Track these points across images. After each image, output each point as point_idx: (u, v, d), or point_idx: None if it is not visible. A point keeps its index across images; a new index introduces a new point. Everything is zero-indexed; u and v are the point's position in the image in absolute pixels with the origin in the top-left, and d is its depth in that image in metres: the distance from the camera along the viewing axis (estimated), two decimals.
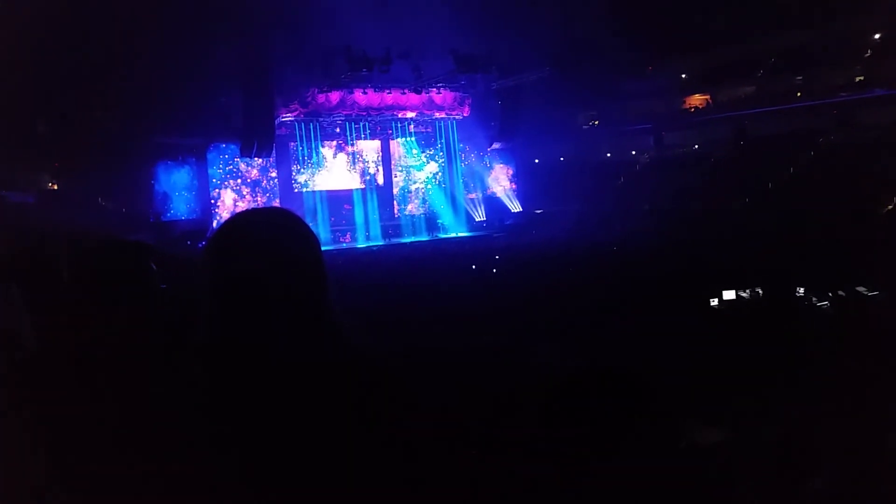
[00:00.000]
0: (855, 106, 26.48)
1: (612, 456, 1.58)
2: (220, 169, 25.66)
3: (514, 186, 31.90)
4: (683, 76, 33.68)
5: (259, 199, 26.24)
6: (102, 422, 1.50)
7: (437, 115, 28.25)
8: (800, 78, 28.87)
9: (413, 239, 28.27)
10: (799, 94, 28.56)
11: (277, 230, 1.50)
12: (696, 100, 33.58)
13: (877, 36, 26.87)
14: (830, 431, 3.33)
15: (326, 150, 27.87)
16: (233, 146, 25.00)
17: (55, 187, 23.21)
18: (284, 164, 27.04)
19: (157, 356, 1.78)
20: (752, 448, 3.15)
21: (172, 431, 1.36)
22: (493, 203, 30.99)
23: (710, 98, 32.84)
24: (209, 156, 25.32)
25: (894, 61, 25.75)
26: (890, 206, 21.02)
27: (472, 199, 30.67)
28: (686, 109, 33.72)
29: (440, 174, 30.40)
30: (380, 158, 29.54)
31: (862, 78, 26.91)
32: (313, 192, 27.40)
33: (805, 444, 3.19)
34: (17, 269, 2.37)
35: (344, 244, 26.91)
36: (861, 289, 8.10)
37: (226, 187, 25.76)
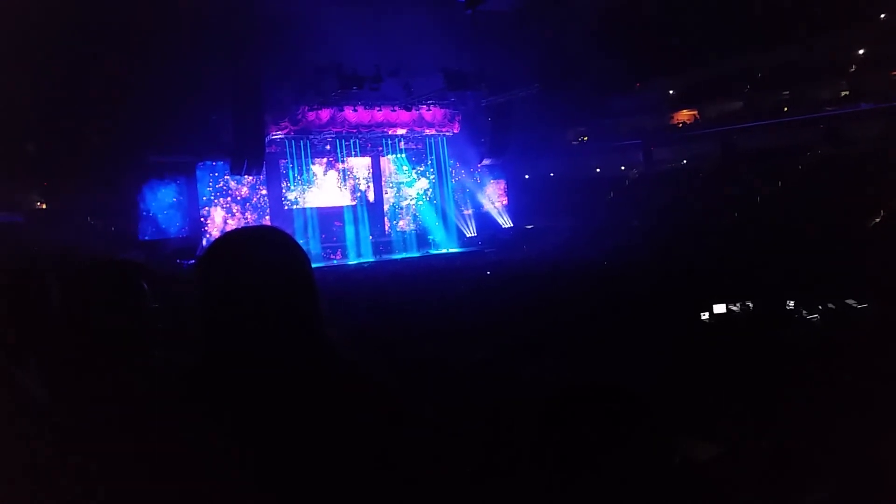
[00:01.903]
0: (841, 120, 26.75)
1: (604, 471, 1.58)
2: (209, 187, 25.58)
3: (504, 202, 31.98)
4: (671, 92, 33.97)
5: (249, 216, 26.15)
6: (103, 436, 1.50)
7: (428, 131, 28.33)
8: (786, 93, 29.16)
9: (404, 255, 28.25)
10: (786, 108, 28.84)
11: (267, 246, 1.51)
12: (684, 115, 33.84)
13: (861, 51, 27.22)
14: (823, 445, 3.33)
15: (317, 168, 27.88)
16: (222, 164, 24.97)
17: (44, 206, 23.10)
18: (275, 182, 27.02)
19: (152, 373, 1.78)
20: (745, 463, 3.15)
21: (170, 445, 1.36)
22: (484, 219, 31.04)
23: (698, 113, 33.11)
24: (198, 173, 25.23)
25: (879, 76, 26.08)
26: (878, 219, 21.18)
27: (463, 215, 30.72)
28: (674, 125, 33.97)
29: (431, 190, 30.45)
30: (370, 175, 29.57)
31: (847, 92, 27.23)
32: (304, 209, 27.37)
33: (798, 459, 3.19)
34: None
35: (335, 261, 26.85)
36: (850, 301, 8.15)
37: (215, 205, 25.68)
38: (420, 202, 30.29)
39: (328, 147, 27.57)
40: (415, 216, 30.29)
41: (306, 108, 24.64)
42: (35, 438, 1.79)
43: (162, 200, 24.34)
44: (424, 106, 26.71)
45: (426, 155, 29.99)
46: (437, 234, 29.98)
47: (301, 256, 1.53)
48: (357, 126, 26.18)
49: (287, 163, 26.81)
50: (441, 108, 27.38)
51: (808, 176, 25.39)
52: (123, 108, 19.98)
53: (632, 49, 25.85)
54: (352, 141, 27.32)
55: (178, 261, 21.28)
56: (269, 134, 24.78)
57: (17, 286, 2.43)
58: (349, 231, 28.12)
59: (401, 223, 29.98)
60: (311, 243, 26.30)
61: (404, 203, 30.14)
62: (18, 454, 1.70)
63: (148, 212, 23.99)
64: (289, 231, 1.61)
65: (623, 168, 34.46)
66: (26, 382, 2.11)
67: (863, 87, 26.53)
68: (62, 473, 1.62)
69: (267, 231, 1.57)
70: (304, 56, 21.93)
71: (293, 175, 26.93)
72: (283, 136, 25.72)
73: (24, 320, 2.37)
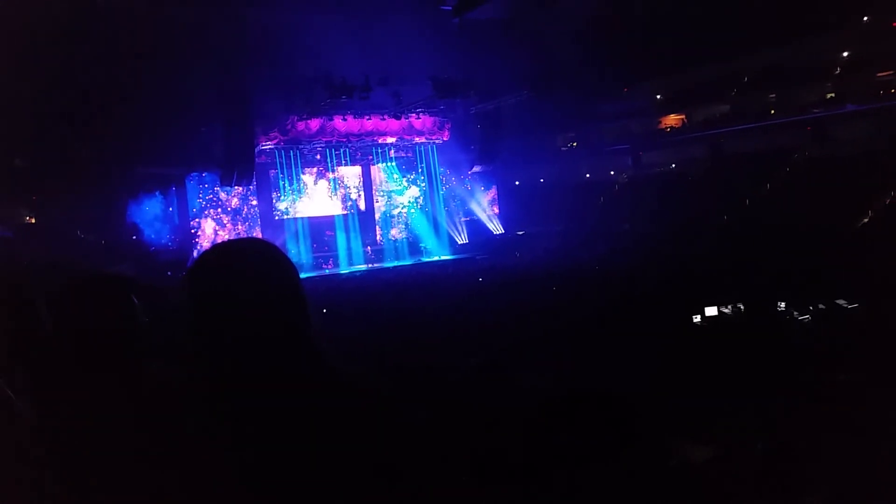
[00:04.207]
0: (828, 122, 26.95)
1: (601, 476, 1.58)
2: (199, 198, 25.51)
3: (495, 209, 32.05)
4: (659, 97, 34.15)
5: (240, 227, 26.05)
6: (94, 449, 1.49)
7: (418, 139, 28.38)
8: (773, 96, 29.37)
9: (396, 263, 28.23)
10: (773, 111, 29.03)
11: (255, 258, 1.52)
12: (672, 119, 34.04)
13: (845, 54, 27.44)
14: (817, 446, 3.34)
15: (307, 177, 27.86)
16: (212, 175, 24.92)
17: (33, 221, 22.98)
18: (265, 192, 26.98)
19: (143, 386, 1.77)
20: (740, 465, 3.16)
21: (162, 457, 1.37)
22: (475, 225, 31.09)
23: (686, 117, 33.31)
24: (188, 185, 25.17)
25: (863, 78, 26.31)
26: (865, 220, 21.33)
27: (454, 222, 30.75)
28: (662, 129, 34.15)
29: (422, 198, 30.48)
30: (361, 184, 29.59)
31: (833, 94, 27.45)
32: (295, 219, 27.32)
33: (793, 460, 3.20)
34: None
35: (327, 270, 26.78)
36: (840, 301, 8.20)
37: (206, 216, 25.60)
38: (411, 210, 30.32)
39: (318, 156, 27.56)
40: (406, 224, 30.30)
41: (296, 117, 24.63)
42: (26, 452, 1.78)
43: (152, 213, 24.26)
44: (414, 114, 26.76)
45: (416, 163, 30.05)
46: (429, 241, 30.01)
47: (288, 267, 1.54)
48: (347, 135, 26.19)
49: (277, 173, 26.79)
50: (430, 115, 27.43)
51: (795, 177, 25.55)
52: (112, 120, 19.90)
53: (619, 54, 25.96)
54: (342, 150, 27.32)
55: (168, 273, 21.18)
56: (258, 144, 24.76)
57: (7, 300, 2.42)
58: (341, 240, 28.10)
59: (392, 231, 29.99)
60: (302, 253, 26.27)
61: (395, 211, 30.17)
62: (8, 467, 1.69)
63: (138, 224, 23.89)
64: (280, 241, 1.63)
65: (612, 173, 34.60)
66: (15, 396, 2.10)
67: (848, 89, 26.77)
68: (53, 486, 1.61)
69: (255, 243, 1.59)
70: (293, 66, 21.92)
71: (284, 185, 26.91)
72: (272, 147, 25.70)
73: (15, 334, 2.35)
